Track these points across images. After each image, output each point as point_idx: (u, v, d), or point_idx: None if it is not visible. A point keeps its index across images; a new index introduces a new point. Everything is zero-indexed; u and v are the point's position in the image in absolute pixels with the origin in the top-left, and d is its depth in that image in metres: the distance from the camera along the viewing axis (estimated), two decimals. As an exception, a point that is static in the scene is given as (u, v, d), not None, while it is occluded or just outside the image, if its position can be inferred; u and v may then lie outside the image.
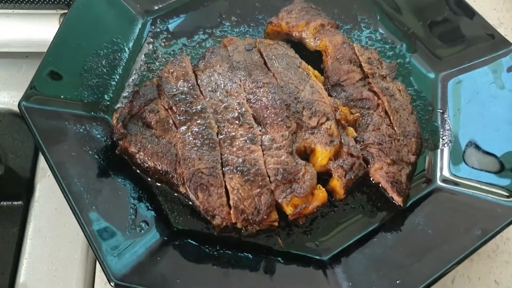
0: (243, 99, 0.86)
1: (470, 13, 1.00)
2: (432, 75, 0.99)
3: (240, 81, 0.89)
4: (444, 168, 0.87)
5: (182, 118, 0.83)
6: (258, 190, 0.77)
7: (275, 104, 0.85)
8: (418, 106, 0.94)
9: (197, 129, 0.82)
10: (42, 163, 0.95)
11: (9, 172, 0.88)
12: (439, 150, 0.89)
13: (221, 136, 0.82)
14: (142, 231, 0.76)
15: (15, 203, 0.90)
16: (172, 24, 1.04)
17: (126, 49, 0.98)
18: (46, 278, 0.82)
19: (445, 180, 0.85)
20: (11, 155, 0.95)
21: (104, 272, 0.69)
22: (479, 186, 0.82)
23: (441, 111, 0.94)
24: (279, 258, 0.77)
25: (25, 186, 0.92)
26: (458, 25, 1.01)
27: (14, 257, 0.84)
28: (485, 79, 0.93)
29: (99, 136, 0.85)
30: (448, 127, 0.91)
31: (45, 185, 0.92)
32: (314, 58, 0.97)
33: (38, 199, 0.90)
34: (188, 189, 0.78)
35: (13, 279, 0.82)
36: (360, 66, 0.94)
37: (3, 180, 0.87)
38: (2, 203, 0.90)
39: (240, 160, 0.80)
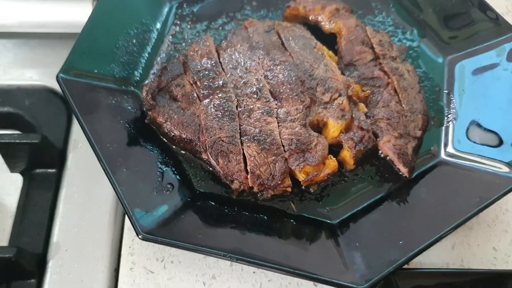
0: (261, 76, 0.93)
1: (479, 1, 1.05)
2: (440, 59, 1.04)
3: (259, 59, 0.95)
4: (448, 143, 0.92)
5: (205, 92, 0.90)
6: (273, 157, 0.84)
7: (291, 80, 0.91)
8: (426, 86, 1.00)
9: (219, 102, 0.89)
10: (74, 135, 1.01)
11: (45, 141, 0.94)
12: (444, 127, 0.94)
13: (240, 109, 0.89)
14: (168, 192, 0.83)
15: (49, 170, 0.97)
16: (197, 8, 1.11)
17: (155, 30, 1.05)
18: (77, 238, 0.89)
19: (449, 155, 0.90)
20: (45, 127, 1.02)
21: (133, 226, 0.75)
22: (480, 160, 0.87)
23: (447, 91, 0.99)
24: (292, 221, 0.84)
25: (58, 155, 0.98)
26: (466, 12, 1.05)
27: (48, 219, 0.91)
28: (490, 62, 0.98)
29: (129, 107, 0.92)
30: (453, 106, 0.96)
31: (77, 155, 0.99)
32: (329, 40, 1.03)
33: (70, 168, 0.97)
34: (209, 156, 0.85)
35: (47, 239, 0.89)
36: (372, 47, 1.00)
37: (39, 148, 0.93)
38: (38, 170, 0.98)
39: (257, 130, 0.86)
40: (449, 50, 1.04)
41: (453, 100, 0.97)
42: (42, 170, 0.97)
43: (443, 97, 0.99)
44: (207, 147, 0.85)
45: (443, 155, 0.91)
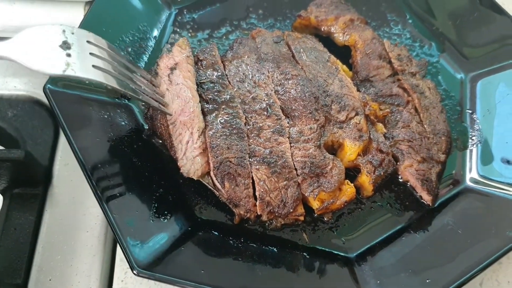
0: (271, 90, 0.85)
1: (501, 14, 0.98)
2: (460, 75, 0.97)
3: (268, 73, 0.88)
4: (473, 168, 0.85)
5: (210, 106, 0.82)
6: (284, 182, 0.76)
7: (304, 96, 0.83)
8: (447, 105, 0.93)
9: (226, 118, 0.80)
10: (61, 151, 0.93)
11: (28, 157, 0.86)
12: (468, 151, 0.88)
13: (248, 127, 0.81)
14: (166, 220, 0.75)
15: (33, 190, 0.88)
16: (199, 15, 1.03)
17: (152, 38, 0.97)
18: (62, 266, 0.81)
19: (474, 181, 0.84)
20: (30, 142, 0.94)
21: (127, 260, 0.67)
22: (509, 188, 0.80)
23: (470, 111, 0.92)
24: (305, 254, 0.76)
25: (44, 173, 0.90)
26: (488, 26, 0.99)
27: (30, 244, 0.82)
28: (517, 80, 0.91)
29: (123, 123, 0.84)
30: (478, 128, 0.90)
31: (64, 173, 0.90)
32: (342, 54, 0.96)
33: (55, 188, 0.89)
34: (214, 177, 0.76)
35: (29, 266, 0.81)
36: (390, 62, 0.93)
37: (22, 165, 0.84)
38: (20, 189, 0.88)
39: (267, 151, 0.78)
40: (471, 66, 0.98)
41: (477, 121, 0.90)
42: (25, 190, 0.88)
43: (466, 118, 0.92)
44: (213, 168, 0.77)
45: (468, 182, 0.84)
